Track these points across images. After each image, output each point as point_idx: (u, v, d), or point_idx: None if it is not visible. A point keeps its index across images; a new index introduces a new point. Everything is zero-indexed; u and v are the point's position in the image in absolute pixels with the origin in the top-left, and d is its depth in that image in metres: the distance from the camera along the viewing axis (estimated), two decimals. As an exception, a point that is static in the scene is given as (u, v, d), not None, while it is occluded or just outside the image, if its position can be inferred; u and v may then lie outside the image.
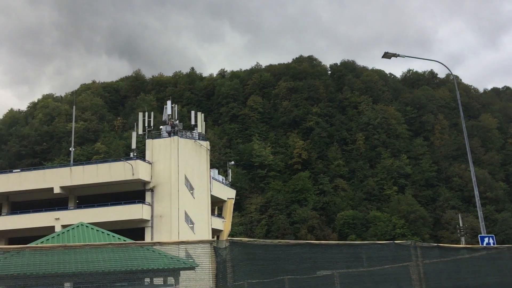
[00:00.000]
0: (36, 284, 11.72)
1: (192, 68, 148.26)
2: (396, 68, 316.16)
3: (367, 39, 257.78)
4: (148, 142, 48.86)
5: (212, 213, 53.78)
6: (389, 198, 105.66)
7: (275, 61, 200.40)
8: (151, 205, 46.54)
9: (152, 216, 46.22)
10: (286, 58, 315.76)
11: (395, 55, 26.46)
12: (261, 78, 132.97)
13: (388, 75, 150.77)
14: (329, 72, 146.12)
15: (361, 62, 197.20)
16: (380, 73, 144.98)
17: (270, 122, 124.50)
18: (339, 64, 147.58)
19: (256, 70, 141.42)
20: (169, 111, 51.47)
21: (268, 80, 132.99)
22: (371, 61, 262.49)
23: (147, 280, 18.13)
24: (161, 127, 51.66)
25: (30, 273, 12.01)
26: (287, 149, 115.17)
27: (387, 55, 26.54)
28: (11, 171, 53.59)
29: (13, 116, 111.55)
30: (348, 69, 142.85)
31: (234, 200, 63.28)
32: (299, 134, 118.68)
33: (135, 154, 49.51)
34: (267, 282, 8.96)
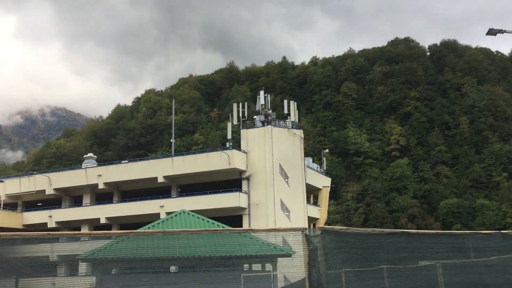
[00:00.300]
0: (141, 266, 12.61)
1: (284, 57, 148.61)
2: (503, 46, 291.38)
3: (468, 16, 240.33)
4: (243, 132, 49.99)
5: (308, 202, 53.83)
6: (498, 185, 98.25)
7: (368, 45, 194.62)
8: (248, 193, 47.70)
9: (249, 204, 47.39)
10: (380, 41, 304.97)
11: (501, 31, 24.40)
12: (354, 64, 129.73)
13: (495, 53, 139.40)
14: (428, 53, 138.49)
15: (463, 41, 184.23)
16: (485, 52, 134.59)
17: (365, 108, 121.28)
18: (438, 44, 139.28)
19: (349, 56, 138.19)
20: (262, 101, 52.16)
21: (362, 65, 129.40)
22: (474, 39, 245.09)
23: (246, 266, 18.67)
24: (255, 117, 52.54)
25: (136, 256, 12.95)
26: (384, 136, 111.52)
27: (492, 32, 24.56)
28: (120, 162, 57.87)
29: (120, 111, 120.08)
30: (449, 49, 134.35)
31: (329, 188, 62.76)
32: (396, 119, 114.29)
33: (231, 144, 50.95)
34: (363, 271, 8.80)
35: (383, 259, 8.76)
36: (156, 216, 43.79)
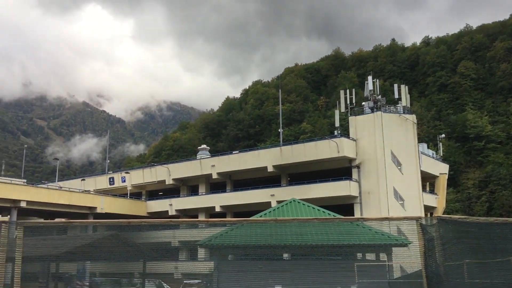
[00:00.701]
0: (255, 253, 13.07)
1: (393, 39, 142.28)
2: None
3: None
4: (351, 119, 49.06)
5: (424, 190, 51.43)
6: None
7: (488, 20, 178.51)
8: (358, 181, 46.85)
9: (360, 193, 46.55)
10: (501, 14, 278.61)
11: None
12: (472, 41, 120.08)
13: None
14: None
15: None
16: None
17: (485, 89, 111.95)
18: None
19: (465, 33, 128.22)
20: (370, 87, 50.69)
21: (481, 42, 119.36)
22: None
23: (359, 255, 18.46)
24: (363, 103, 51.27)
25: (250, 243, 13.47)
26: (509, 118, 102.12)
27: None
28: (231, 153, 60.12)
29: (229, 103, 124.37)
30: None
31: (447, 175, 59.32)
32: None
33: (339, 132, 50.29)
34: (487, 263, 8.28)
35: (510, 250, 8.14)
36: (267, 204, 44.87)
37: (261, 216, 21.67)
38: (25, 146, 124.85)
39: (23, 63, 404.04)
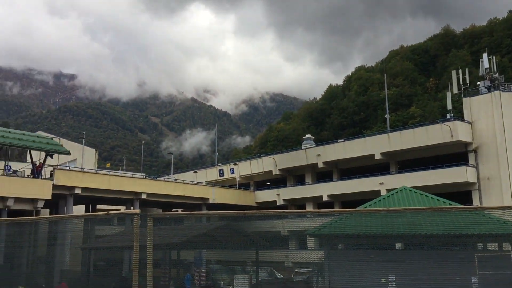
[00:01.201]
0: (366, 243, 12.89)
1: (510, 11, 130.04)
2: None
3: None
4: (465, 100, 45.94)
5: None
6: None
7: None
8: (476, 167, 43.86)
9: (478, 179, 43.57)
10: None
11: None
12: None
13: None
14: None
15: None
16: None
17: None
18: None
19: None
20: (486, 65, 47.00)
21: None
22: None
23: (480, 245, 17.36)
24: (478, 83, 47.72)
25: (360, 233, 13.30)
26: None
27: None
28: (336, 141, 59.47)
29: (332, 91, 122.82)
30: None
31: None
32: None
33: (452, 114, 47.38)
34: None
35: None
36: (376, 193, 43.79)
37: (370, 205, 21.23)
38: (143, 142, 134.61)
39: (137, 65, 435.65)
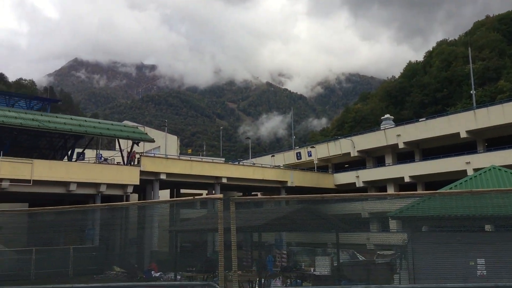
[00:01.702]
0: (451, 225, 12.43)
1: None
2: None
3: None
4: (562, 71, 42.20)
5: None
6: None
7: None
8: None
9: None
10: None
11: None
12: None
13: None
14: None
15: None
16: None
17: None
18: None
19: None
20: None
21: None
22: None
23: None
24: None
25: (445, 214, 12.84)
26: None
27: None
28: (417, 120, 57.22)
29: (411, 68, 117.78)
30: None
31: None
32: None
33: (547, 87, 43.77)
34: None
35: None
36: (462, 173, 41.75)
37: (456, 186, 20.31)
38: (221, 128, 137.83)
39: (212, 53, 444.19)
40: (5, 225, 15.95)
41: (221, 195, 6.59)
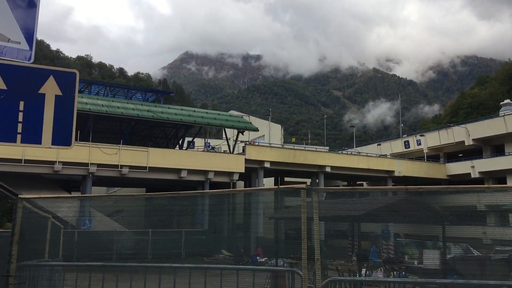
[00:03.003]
0: None
1: None
2: None
3: None
4: None
5: None
6: None
7: None
8: None
9: None
10: None
11: None
12: None
13: None
14: None
15: None
16: None
17: None
18: None
19: None
20: None
21: None
22: None
23: None
24: None
25: None
26: None
27: None
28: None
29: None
30: None
31: None
32: None
33: None
34: None
35: None
36: None
37: None
38: (325, 116, 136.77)
39: (316, 40, 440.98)
40: (126, 208, 17.51)
41: (304, 185, 6.77)
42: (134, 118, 36.63)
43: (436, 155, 59.95)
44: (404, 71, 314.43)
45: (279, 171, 46.15)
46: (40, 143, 4.12)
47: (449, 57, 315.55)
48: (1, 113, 3.99)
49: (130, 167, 34.90)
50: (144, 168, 35.07)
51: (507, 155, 51.23)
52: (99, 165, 33.96)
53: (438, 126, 73.79)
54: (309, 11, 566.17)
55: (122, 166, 34.45)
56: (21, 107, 4.06)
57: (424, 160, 56.05)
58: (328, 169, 45.53)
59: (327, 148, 66.28)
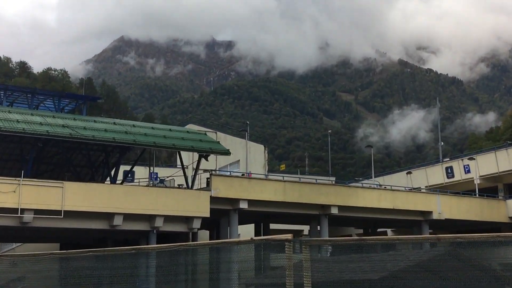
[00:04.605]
0: None
1: None
2: None
3: None
4: None
5: None
6: None
7: None
8: None
9: None
10: None
11: None
12: None
13: None
14: None
15: None
16: None
17: None
18: None
19: None
20: None
21: None
22: None
23: None
24: None
25: None
26: None
27: None
28: None
29: None
30: None
31: None
32: None
33: None
34: None
35: None
36: None
37: None
38: (329, 131, 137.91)
39: (315, 19, 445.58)
40: (29, 274, 17.23)
41: (289, 236, 6.88)
42: (42, 137, 36.36)
43: (493, 188, 60.71)
44: (443, 64, 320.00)
45: (261, 214, 46.17)
46: None
47: (509, 44, 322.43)
48: None
49: (36, 211, 34.41)
50: (58, 212, 34.67)
51: None
52: (-14, 210, 33.48)
53: (494, 145, 75.00)
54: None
55: (23, 210, 34.00)
56: None
57: (475, 195, 56.73)
58: (334, 211, 45.73)
59: (333, 179, 66.73)
